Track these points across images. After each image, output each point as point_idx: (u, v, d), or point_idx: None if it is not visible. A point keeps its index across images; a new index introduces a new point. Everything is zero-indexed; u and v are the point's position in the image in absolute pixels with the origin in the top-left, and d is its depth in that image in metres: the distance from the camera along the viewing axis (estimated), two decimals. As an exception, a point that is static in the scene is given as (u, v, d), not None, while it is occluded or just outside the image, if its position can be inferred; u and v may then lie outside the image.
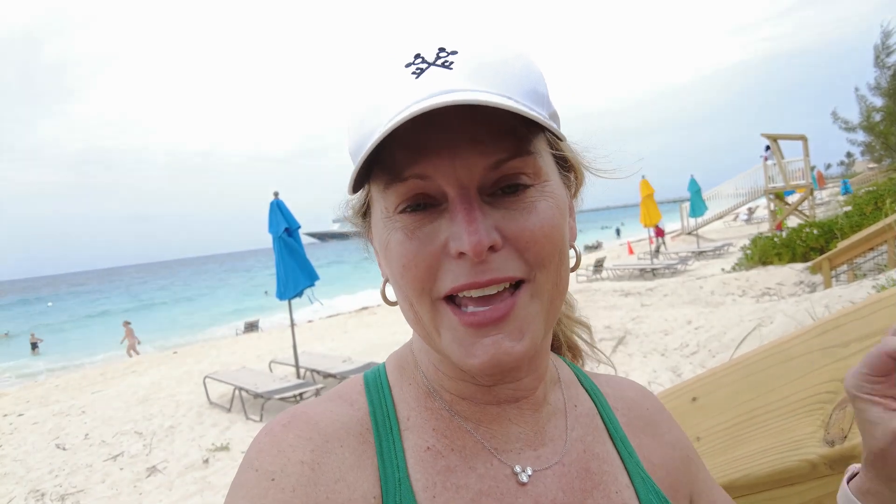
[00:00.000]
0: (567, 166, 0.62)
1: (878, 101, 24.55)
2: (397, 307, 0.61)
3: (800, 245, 12.10)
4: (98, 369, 14.88)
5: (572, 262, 0.62)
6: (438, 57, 0.50)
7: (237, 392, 8.19)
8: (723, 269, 14.15)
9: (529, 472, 0.60)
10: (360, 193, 0.62)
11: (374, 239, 0.61)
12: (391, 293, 0.61)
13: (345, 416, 0.60)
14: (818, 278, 8.94)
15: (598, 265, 18.51)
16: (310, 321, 18.74)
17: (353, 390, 0.65)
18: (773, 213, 22.49)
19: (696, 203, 22.32)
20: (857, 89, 25.53)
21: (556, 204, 0.55)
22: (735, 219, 35.83)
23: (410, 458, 0.58)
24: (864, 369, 0.60)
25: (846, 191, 31.57)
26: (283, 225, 8.53)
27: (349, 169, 0.54)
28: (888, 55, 22.99)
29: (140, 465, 6.44)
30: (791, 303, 7.15)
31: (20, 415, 9.79)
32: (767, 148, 22.10)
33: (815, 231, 12.17)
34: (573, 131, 0.63)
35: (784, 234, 13.41)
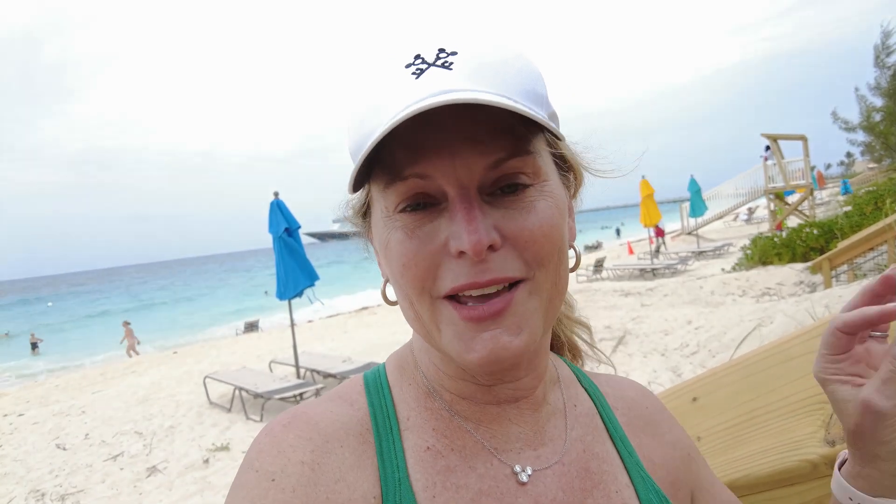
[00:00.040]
0: (566, 166, 0.62)
1: (879, 101, 24.57)
2: (397, 307, 0.61)
3: (800, 245, 12.10)
4: (98, 369, 14.88)
5: (572, 263, 0.62)
6: (438, 57, 0.51)
7: (237, 392, 8.19)
8: (723, 269, 14.15)
9: (529, 472, 0.60)
10: (361, 193, 0.62)
11: (374, 239, 0.61)
12: (392, 293, 0.62)
13: (345, 417, 0.60)
14: (818, 278, 8.94)
15: (598, 265, 18.51)
16: (310, 321, 18.75)
17: (353, 390, 0.65)
18: (773, 213, 22.50)
19: (696, 203, 22.32)
20: (857, 89, 25.55)
21: (555, 203, 0.55)
22: (735, 219, 35.84)
23: (410, 458, 0.58)
24: (823, 350, 0.61)
25: (846, 191, 31.57)
26: (283, 225, 8.54)
27: (349, 169, 0.54)
28: (888, 55, 23.00)
29: (140, 465, 6.45)
30: (791, 303, 7.15)
31: (20, 415, 9.79)
32: (767, 148, 22.10)
33: (815, 231, 12.17)
34: (573, 131, 0.64)
35: (784, 234, 13.41)
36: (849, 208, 14.70)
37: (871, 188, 16.89)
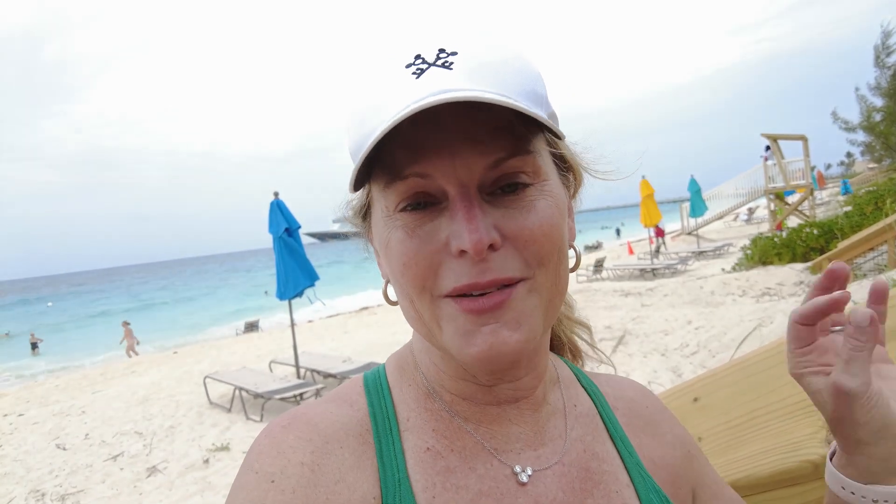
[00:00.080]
0: (566, 167, 0.62)
1: (879, 102, 24.57)
2: (398, 307, 0.61)
3: (800, 245, 12.10)
4: (98, 369, 14.88)
5: (571, 263, 0.62)
6: (438, 57, 0.51)
7: (237, 392, 8.19)
8: (723, 270, 14.15)
9: (529, 472, 0.60)
10: (361, 194, 0.62)
11: (374, 239, 0.61)
12: (393, 293, 0.62)
13: (344, 418, 0.60)
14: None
15: (599, 265, 18.51)
16: (310, 321, 18.75)
17: (353, 391, 0.65)
18: (773, 214, 22.50)
19: (697, 203, 22.31)
20: (857, 89, 25.56)
21: (555, 203, 0.55)
22: (735, 219, 35.84)
23: (410, 458, 0.58)
24: (790, 346, 0.62)
25: (846, 191, 31.58)
26: (284, 225, 8.54)
27: (350, 169, 0.54)
28: (888, 55, 23.01)
29: (140, 466, 6.44)
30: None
31: (20, 415, 9.79)
32: (767, 148, 22.11)
33: (815, 231, 12.17)
34: (573, 132, 0.63)
35: (784, 234, 13.41)
36: (849, 208, 14.70)
37: (871, 188, 16.89)
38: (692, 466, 0.72)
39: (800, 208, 21.28)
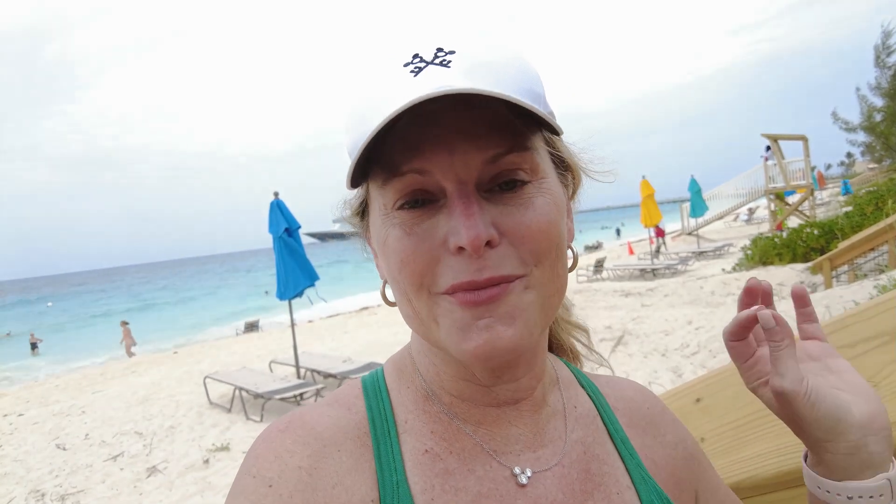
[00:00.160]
0: (564, 166, 0.62)
1: (879, 102, 24.57)
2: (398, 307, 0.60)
3: (800, 245, 12.11)
4: (98, 369, 14.89)
5: (569, 263, 0.62)
6: (436, 56, 0.51)
7: (237, 392, 8.19)
8: (723, 270, 14.16)
9: (529, 474, 0.59)
10: (359, 192, 0.62)
11: (372, 238, 0.61)
12: (391, 294, 0.61)
13: (342, 421, 0.60)
14: (819, 279, 8.94)
15: (599, 265, 18.51)
16: (310, 321, 18.76)
17: (351, 394, 0.64)
18: (773, 214, 22.51)
19: (697, 203, 22.32)
20: (857, 89, 25.57)
21: (553, 201, 0.55)
22: (735, 219, 35.87)
23: (408, 461, 0.58)
24: (736, 363, 0.65)
25: (846, 191, 31.60)
26: (284, 225, 8.54)
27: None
28: (888, 55, 23.02)
29: (140, 466, 6.45)
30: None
31: (20, 415, 9.80)
32: (768, 148, 22.11)
33: (815, 231, 12.18)
34: (572, 132, 0.64)
35: (784, 234, 13.43)
36: (849, 208, 14.72)
37: (871, 188, 16.91)
38: (694, 468, 0.72)
39: (800, 208, 21.29)
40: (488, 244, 0.50)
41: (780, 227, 17.98)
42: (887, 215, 9.94)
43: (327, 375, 8.58)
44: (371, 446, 0.59)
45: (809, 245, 11.94)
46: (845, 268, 8.58)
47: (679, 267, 17.17)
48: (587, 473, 0.62)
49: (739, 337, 0.63)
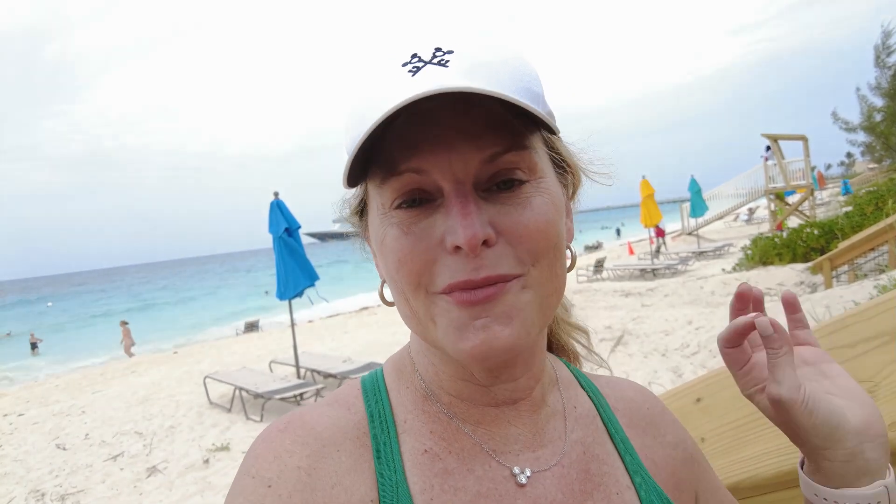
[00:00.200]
0: (564, 166, 0.62)
1: (879, 102, 24.57)
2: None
3: (800, 245, 12.11)
4: (98, 369, 14.89)
5: (567, 264, 0.61)
6: (435, 56, 0.51)
7: (237, 392, 8.19)
8: (723, 270, 14.16)
9: (528, 474, 0.59)
10: (358, 192, 0.62)
11: (370, 237, 0.61)
12: (389, 294, 0.61)
13: (342, 421, 0.60)
14: (819, 279, 8.94)
15: (599, 265, 18.50)
16: (310, 321, 18.76)
17: (351, 395, 0.64)
18: (773, 214, 22.51)
19: (697, 203, 22.32)
20: (858, 89, 25.56)
21: (551, 200, 0.54)
22: (735, 219, 35.86)
23: (408, 460, 0.58)
24: (730, 370, 0.65)
25: (846, 191, 31.60)
26: (284, 225, 8.54)
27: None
28: (888, 55, 23.01)
29: (140, 466, 6.45)
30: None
31: (20, 415, 9.80)
32: (768, 148, 22.11)
33: (815, 231, 12.18)
34: (573, 132, 0.64)
35: (785, 234, 13.42)
36: (849, 208, 14.71)
37: (871, 188, 16.91)
38: (694, 469, 0.72)
39: (800, 208, 21.29)
40: (485, 243, 0.50)
41: (780, 227, 17.98)
42: (887, 215, 9.94)
43: (327, 375, 8.58)
44: (370, 446, 0.59)
45: (809, 245, 11.94)
46: (845, 268, 8.58)
47: (679, 267, 17.16)
48: (587, 473, 0.62)
49: (735, 344, 0.63)
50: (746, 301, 0.64)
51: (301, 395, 7.66)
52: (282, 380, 8.30)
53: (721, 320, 8.10)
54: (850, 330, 0.91)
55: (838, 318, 0.94)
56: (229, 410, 8.10)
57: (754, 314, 0.61)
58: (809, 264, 9.84)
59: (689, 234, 26.75)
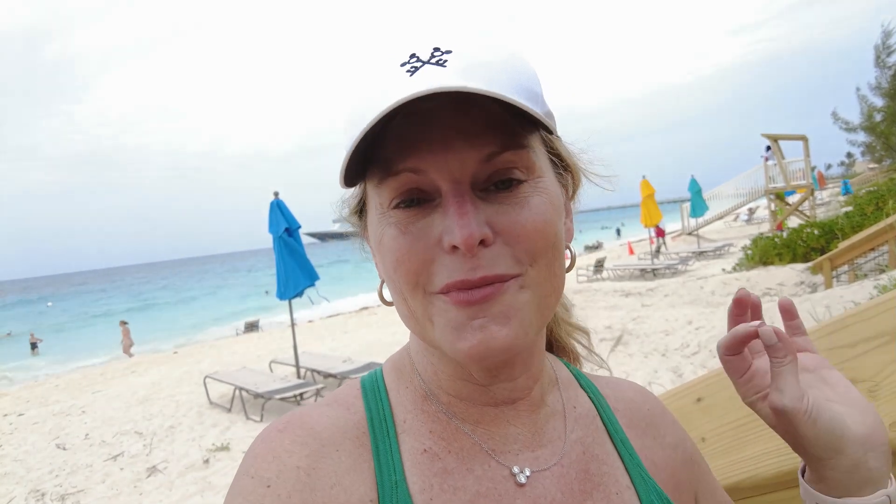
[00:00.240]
0: (563, 166, 0.62)
1: (879, 102, 24.57)
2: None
3: (800, 245, 12.11)
4: (98, 369, 14.89)
5: (567, 264, 0.61)
6: (433, 56, 0.50)
7: (237, 392, 8.19)
8: (723, 270, 14.15)
9: (528, 473, 0.59)
10: (357, 191, 0.62)
11: (369, 237, 0.61)
12: (388, 294, 0.61)
13: (341, 421, 0.60)
14: (819, 279, 8.94)
15: (599, 265, 18.50)
16: (310, 321, 18.76)
17: (350, 395, 0.64)
18: (773, 214, 22.51)
19: (697, 203, 22.31)
20: (858, 89, 25.57)
21: (549, 200, 0.54)
22: (735, 219, 35.86)
23: (407, 460, 0.58)
24: (731, 378, 0.64)
25: (847, 191, 31.61)
26: (284, 225, 8.54)
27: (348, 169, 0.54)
28: (889, 55, 23.02)
29: (140, 465, 6.45)
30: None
31: (20, 415, 9.80)
32: (768, 148, 22.11)
33: (815, 231, 12.18)
34: (572, 132, 0.63)
35: (785, 234, 13.42)
36: (849, 208, 14.72)
37: (871, 188, 16.91)
38: (694, 471, 0.72)
39: (800, 208, 21.28)
40: (482, 243, 0.50)
41: (780, 227, 17.99)
42: (887, 215, 9.94)
43: (327, 375, 8.58)
44: (370, 446, 0.59)
45: (809, 245, 11.94)
46: (845, 268, 8.58)
47: (679, 267, 17.16)
48: (586, 473, 0.62)
49: (735, 351, 0.62)
50: (745, 307, 0.64)
51: (301, 395, 7.66)
52: (282, 380, 8.30)
53: (721, 320, 8.09)
54: (850, 330, 0.91)
55: (838, 318, 0.94)
56: (229, 410, 8.10)
57: (757, 323, 0.60)
58: (809, 264, 9.84)
59: (690, 234, 26.75)
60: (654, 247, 20.29)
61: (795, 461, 0.89)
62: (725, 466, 0.97)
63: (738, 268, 13.30)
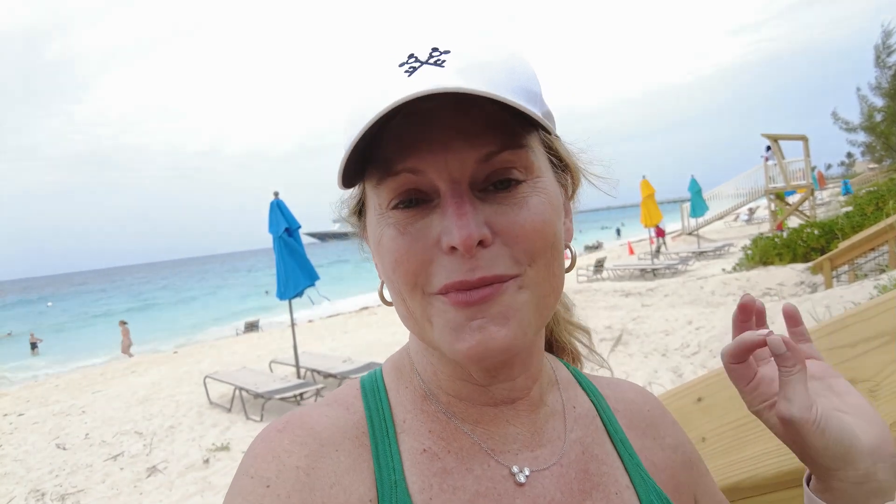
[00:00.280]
0: (562, 166, 0.62)
1: (879, 102, 24.58)
2: None
3: (800, 245, 12.11)
4: (98, 369, 14.89)
5: (567, 264, 0.61)
6: (431, 56, 0.51)
7: (237, 392, 8.19)
8: (723, 270, 14.15)
9: (527, 473, 0.59)
10: (356, 192, 0.62)
11: (368, 238, 0.61)
12: (388, 294, 0.61)
13: (341, 420, 0.60)
14: (819, 279, 8.94)
15: (599, 265, 18.50)
16: (310, 321, 18.76)
17: (350, 394, 0.64)
18: (773, 214, 22.51)
19: (697, 203, 22.31)
20: (858, 89, 25.57)
21: (548, 200, 0.54)
22: (735, 219, 35.86)
23: (406, 460, 0.58)
24: (737, 386, 0.63)
25: (847, 191, 31.61)
26: (284, 225, 8.54)
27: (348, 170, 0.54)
28: (889, 55, 23.02)
29: (140, 465, 6.45)
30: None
31: (20, 415, 9.80)
32: (768, 148, 22.10)
33: (815, 231, 12.18)
34: (572, 132, 0.63)
35: (785, 234, 13.42)
36: (849, 208, 14.72)
37: (871, 188, 16.91)
38: (693, 473, 0.72)
39: (800, 208, 21.28)
40: (481, 244, 0.50)
41: (780, 227, 17.99)
42: (887, 215, 9.94)
43: (327, 375, 8.58)
44: (369, 446, 0.59)
45: (810, 245, 11.94)
46: (845, 268, 8.58)
47: (679, 267, 17.16)
48: (586, 473, 0.62)
49: (741, 360, 0.61)
50: (749, 313, 0.63)
51: (301, 395, 7.66)
52: (282, 380, 8.30)
53: (721, 320, 8.10)
54: (850, 330, 0.91)
55: (838, 318, 0.94)
56: (229, 410, 8.10)
57: (765, 332, 0.58)
58: (810, 264, 9.83)
59: (690, 234, 26.74)
60: (654, 247, 20.28)
61: (795, 461, 0.89)
62: (725, 466, 0.97)
63: (738, 268, 13.29)
